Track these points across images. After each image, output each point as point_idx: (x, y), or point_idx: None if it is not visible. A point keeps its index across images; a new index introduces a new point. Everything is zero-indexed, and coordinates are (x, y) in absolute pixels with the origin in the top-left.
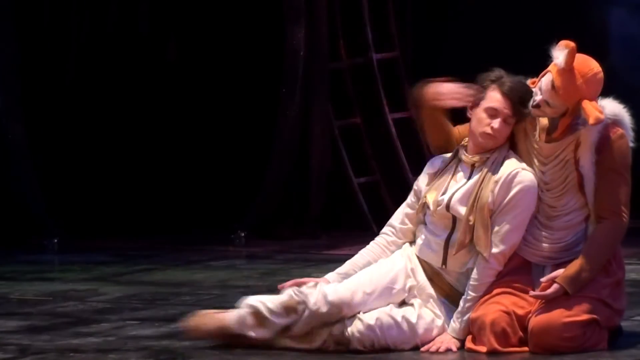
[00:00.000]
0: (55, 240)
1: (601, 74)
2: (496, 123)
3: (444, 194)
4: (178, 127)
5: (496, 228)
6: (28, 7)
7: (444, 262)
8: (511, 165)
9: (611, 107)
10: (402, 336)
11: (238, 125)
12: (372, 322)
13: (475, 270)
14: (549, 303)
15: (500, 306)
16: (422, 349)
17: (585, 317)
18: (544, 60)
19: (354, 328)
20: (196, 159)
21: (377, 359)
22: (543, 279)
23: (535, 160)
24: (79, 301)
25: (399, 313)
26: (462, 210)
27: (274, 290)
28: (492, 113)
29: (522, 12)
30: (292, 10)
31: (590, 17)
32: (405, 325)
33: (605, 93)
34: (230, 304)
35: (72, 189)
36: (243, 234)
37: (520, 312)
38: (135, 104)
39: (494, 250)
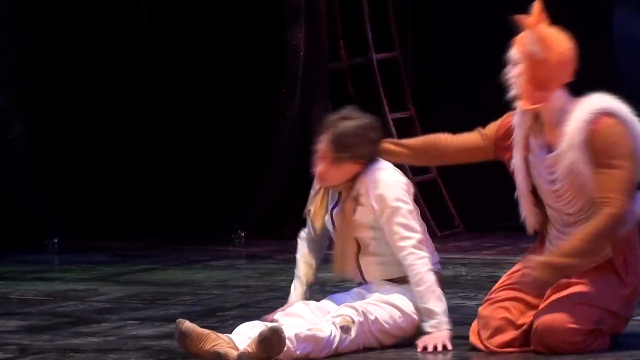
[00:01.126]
0: (55, 240)
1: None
2: (319, 165)
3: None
4: (178, 127)
5: (394, 228)
6: (28, 7)
7: (363, 278)
8: (369, 174)
9: (599, 100)
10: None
11: (238, 125)
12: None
13: (408, 269)
14: (558, 303)
15: (508, 314)
16: (418, 349)
17: (590, 327)
18: None
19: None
20: (196, 158)
21: (377, 359)
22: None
23: (544, 173)
24: (79, 301)
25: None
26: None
27: (274, 289)
28: (317, 155)
29: (523, 13)
30: (292, 10)
31: (593, 17)
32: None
33: (609, 93)
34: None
35: (72, 189)
36: (243, 234)
37: (527, 320)
38: (135, 104)
39: (409, 242)
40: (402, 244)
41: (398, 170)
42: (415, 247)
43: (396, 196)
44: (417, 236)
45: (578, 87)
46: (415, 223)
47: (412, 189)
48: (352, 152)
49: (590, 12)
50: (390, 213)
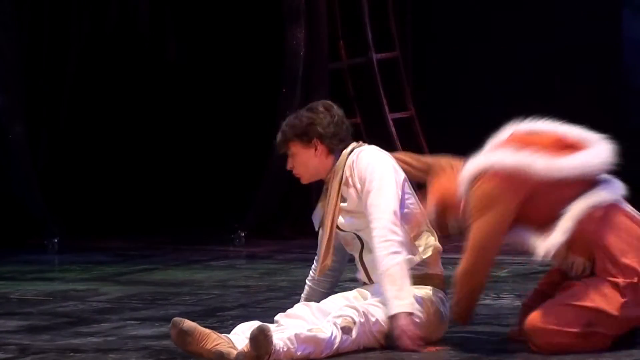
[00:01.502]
0: (55, 240)
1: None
2: (289, 164)
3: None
4: (178, 127)
5: (369, 210)
6: (28, 7)
7: (369, 278)
8: (354, 156)
9: (467, 171)
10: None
11: (238, 126)
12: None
13: (374, 251)
14: (549, 304)
15: None
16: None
17: (578, 328)
18: (548, 59)
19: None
20: (196, 158)
21: (377, 359)
22: None
23: None
24: (79, 301)
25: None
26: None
27: (274, 289)
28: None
29: (524, 13)
30: (292, 10)
31: (602, 20)
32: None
33: (616, 95)
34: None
35: (72, 189)
36: (243, 234)
37: None
38: (135, 104)
39: (378, 223)
40: (372, 225)
41: (384, 152)
42: (384, 227)
43: (373, 176)
44: (387, 217)
45: (585, 89)
46: (392, 203)
47: (400, 172)
48: (300, 139)
49: (600, 12)
50: (366, 193)
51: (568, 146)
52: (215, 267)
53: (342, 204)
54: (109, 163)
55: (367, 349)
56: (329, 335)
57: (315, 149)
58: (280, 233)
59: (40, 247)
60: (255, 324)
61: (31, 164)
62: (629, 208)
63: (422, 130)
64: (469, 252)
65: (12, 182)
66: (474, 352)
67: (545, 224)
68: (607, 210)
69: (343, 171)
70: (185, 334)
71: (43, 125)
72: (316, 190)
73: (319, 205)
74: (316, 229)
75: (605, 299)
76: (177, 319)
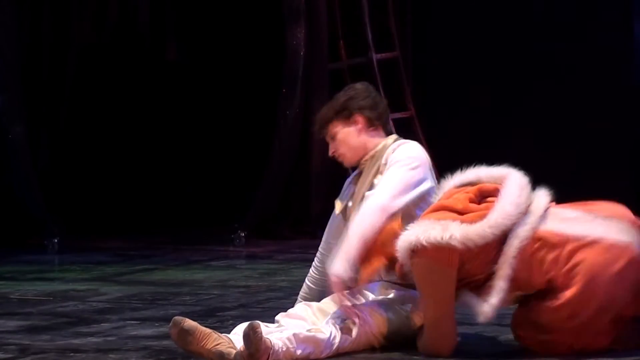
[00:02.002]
0: (55, 240)
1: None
2: (331, 150)
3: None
4: (178, 127)
5: (381, 183)
6: (28, 7)
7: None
8: (394, 147)
9: (405, 238)
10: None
11: (238, 126)
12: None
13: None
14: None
15: None
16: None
17: (532, 335)
18: (549, 60)
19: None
20: (196, 159)
21: (377, 359)
22: None
23: None
24: (79, 301)
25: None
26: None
27: (274, 289)
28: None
29: (525, 13)
30: (292, 10)
31: (613, 28)
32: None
33: (624, 102)
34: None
35: (72, 189)
36: (243, 234)
37: None
38: (136, 104)
39: (374, 196)
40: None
41: (421, 147)
42: (376, 199)
43: (399, 162)
44: (384, 200)
45: (586, 90)
46: (402, 194)
47: (430, 179)
48: (341, 116)
49: (612, 23)
50: (387, 172)
51: (489, 194)
52: (215, 267)
53: (369, 192)
54: (109, 163)
55: (367, 349)
56: (328, 335)
57: (356, 123)
58: (280, 233)
59: (40, 247)
60: None
61: (31, 164)
62: (549, 225)
63: (422, 130)
64: (427, 330)
65: (13, 182)
66: (474, 352)
67: (483, 283)
68: (531, 244)
69: (381, 159)
70: (186, 333)
71: (43, 125)
72: (316, 190)
73: (348, 187)
74: (336, 213)
75: (547, 313)
76: (177, 318)
